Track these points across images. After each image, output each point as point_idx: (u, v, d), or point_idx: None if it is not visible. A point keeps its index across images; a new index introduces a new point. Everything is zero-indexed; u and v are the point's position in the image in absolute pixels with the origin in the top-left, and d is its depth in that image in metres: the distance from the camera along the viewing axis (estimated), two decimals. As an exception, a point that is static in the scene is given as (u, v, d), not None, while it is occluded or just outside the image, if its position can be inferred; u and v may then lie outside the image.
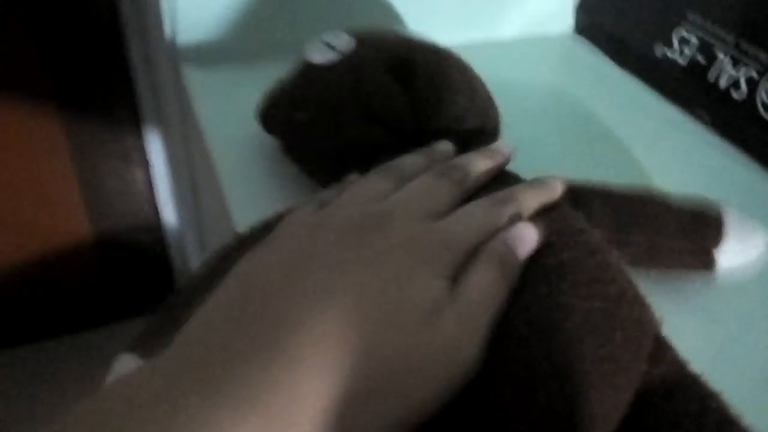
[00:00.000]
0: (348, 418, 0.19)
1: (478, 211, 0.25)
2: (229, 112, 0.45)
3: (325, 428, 0.19)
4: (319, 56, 0.35)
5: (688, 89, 0.52)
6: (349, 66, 0.34)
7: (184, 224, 1.15)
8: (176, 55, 0.52)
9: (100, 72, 1.01)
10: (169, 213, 1.19)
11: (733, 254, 0.33)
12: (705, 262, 0.33)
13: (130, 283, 1.27)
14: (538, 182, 0.28)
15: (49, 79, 0.98)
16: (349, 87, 0.33)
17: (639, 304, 0.24)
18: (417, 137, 0.33)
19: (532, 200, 0.26)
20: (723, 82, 0.49)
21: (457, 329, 0.21)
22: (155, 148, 1.10)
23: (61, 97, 1.00)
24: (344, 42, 0.36)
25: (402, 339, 0.21)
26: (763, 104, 0.46)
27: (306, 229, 0.24)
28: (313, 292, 0.21)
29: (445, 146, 0.31)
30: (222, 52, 0.52)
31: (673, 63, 0.53)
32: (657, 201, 0.32)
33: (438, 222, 0.24)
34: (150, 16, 0.78)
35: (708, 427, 0.23)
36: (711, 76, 0.50)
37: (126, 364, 0.25)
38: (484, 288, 0.23)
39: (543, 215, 0.26)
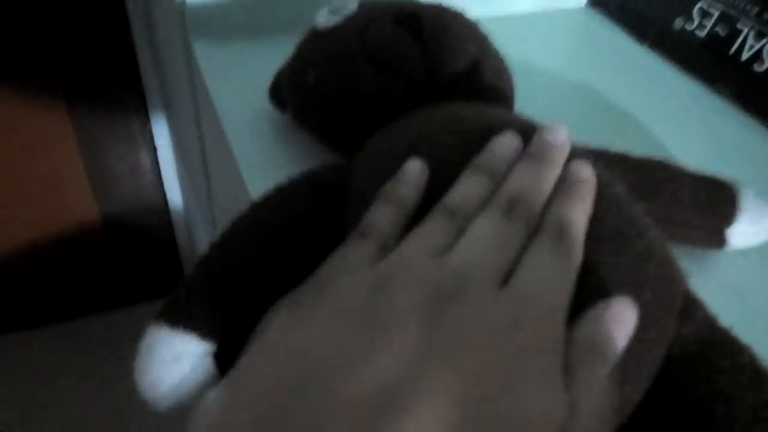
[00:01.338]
0: None
1: (551, 262, 0.20)
2: (240, 87, 0.44)
3: None
4: (325, 21, 0.35)
5: (709, 63, 0.51)
6: (355, 21, 0.33)
7: (190, 206, 1.15)
8: (187, 31, 0.51)
9: (105, 56, 1.00)
10: (175, 195, 1.19)
11: (744, 235, 0.32)
12: (716, 240, 0.32)
13: (137, 266, 1.27)
14: (576, 187, 0.23)
15: (53, 64, 0.97)
16: (357, 39, 0.32)
17: (669, 261, 0.24)
18: (430, 87, 0.31)
19: (582, 215, 0.22)
20: (744, 55, 0.48)
21: None
22: (161, 130, 1.09)
23: (66, 81, 1.00)
24: (350, 8, 0.35)
25: None
26: (787, 77, 0.46)
27: (363, 290, 0.18)
28: (385, 393, 0.15)
29: (503, 148, 0.24)
30: (233, 27, 0.51)
31: (693, 36, 0.52)
32: (676, 173, 0.32)
33: (519, 288, 0.19)
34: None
35: (742, 382, 0.22)
36: (732, 49, 0.49)
37: (156, 334, 0.25)
38: (601, 396, 0.18)
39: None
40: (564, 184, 0.23)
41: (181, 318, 0.25)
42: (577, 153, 0.27)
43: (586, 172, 0.23)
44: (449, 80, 0.31)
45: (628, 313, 0.20)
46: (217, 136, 0.46)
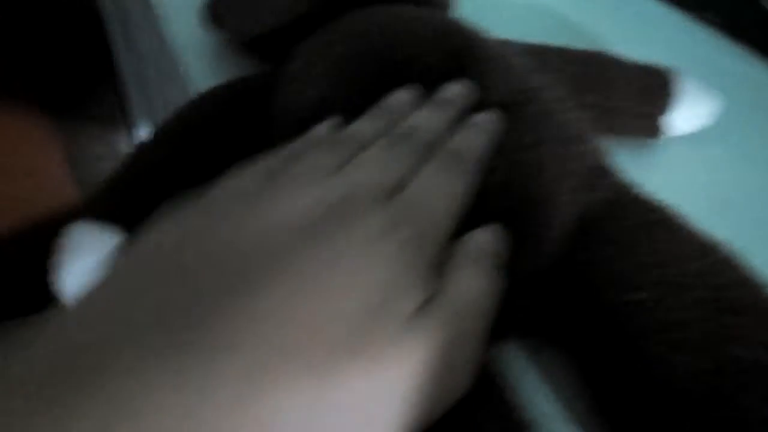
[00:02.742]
0: None
1: (439, 179, 0.21)
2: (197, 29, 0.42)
3: None
4: None
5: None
6: None
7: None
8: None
9: (78, 37, 0.98)
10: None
11: (682, 120, 0.33)
12: (655, 126, 0.33)
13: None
14: (476, 125, 0.24)
15: (24, 47, 0.95)
16: None
17: (565, 143, 0.24)
18: None
19: (479, 148, 0.23)
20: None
21: (449, 331, 0.17)
22: (138, 110, 1.08)
23: (38, 65, 0.98)
24: None
25: (385, 336, 0.16)
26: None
27: (255, 185, 0.19)
28: (262, 274, 0.16)
29: (400, 98, 0.25)
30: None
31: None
32: (613, 63, 0.33)
33: (403, 202, 0.20)
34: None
35: (650, 236, 0.22)
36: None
37: (79, 227, 0.24)
38: (471, 293, 0.19)
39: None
40: (463, 124, 0.24)
41: (103, 211, 0.24)
42: (514, 49, 0.28)
43: (487, 116, 0.24)
44: None
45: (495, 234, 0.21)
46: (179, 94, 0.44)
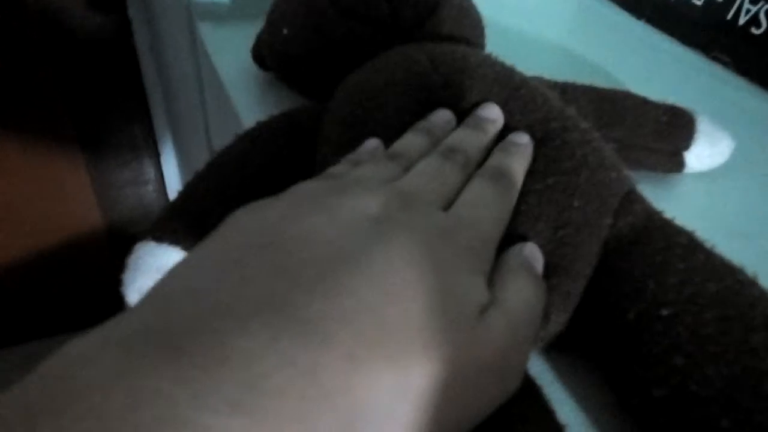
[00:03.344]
0: (376, 425, 0.15)
1: (488, 195, 0.22)
2: (247, 67, 0.45)
3: None
4: None
5: (707, 31, 0.52)
6: None
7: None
8: (191, 14, 0.51)
9: (108, 64, 1.01)
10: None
11: (701, 158, 0.35)
12: (675, 163, 0.35)
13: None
14: (514, 147, 0.25)
15: (56, 73, 0.98)
16: None
17: (603, 169, 0.25)
18: (394, 29, 0.33)
19: (520, 168, 0.24)
20: (742, 19, 0.49)
21: (508, 335, 0.18)
22: (165, 137, 1.10)
23: (69, 89, 1.01)
24: None
25: (456, 335, 0.17)
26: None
27: (322, 188, 0.21)
28: (344, 254, 0.17)
29: (442, 117, 0.27)
30: (241, 16, 0.52)
31: (690, 5, 0.53)
32: (637, 102, 0.34)
33: (457, 212, 0.21)
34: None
35: (673, 256, 0.23)
36: (729, 14, 0.50)
37: (142, 248, 0.26)
38: (525, 300, 0.20)
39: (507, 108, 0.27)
40: (502, 145, 0.25)
41: (165, 233, 0.26)
42: (542, 85, 0.29)
43: (523, 138, 0.25)
44: (411, 22, 0.33)
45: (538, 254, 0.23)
46: (227, 125, 0.46)
